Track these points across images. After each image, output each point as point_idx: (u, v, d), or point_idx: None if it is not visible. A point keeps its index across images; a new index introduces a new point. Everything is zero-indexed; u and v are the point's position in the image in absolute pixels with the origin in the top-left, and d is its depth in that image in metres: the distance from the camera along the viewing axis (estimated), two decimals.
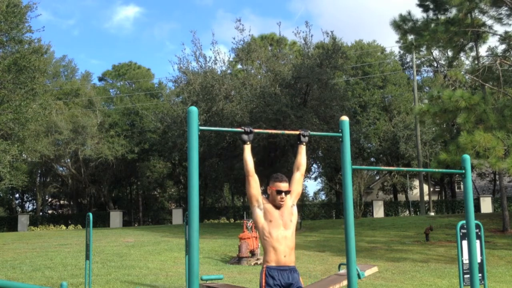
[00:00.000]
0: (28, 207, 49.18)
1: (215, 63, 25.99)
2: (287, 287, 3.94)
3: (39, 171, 41.02)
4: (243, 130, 3.72)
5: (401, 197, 43.93)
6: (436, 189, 43.34)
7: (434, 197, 40.25)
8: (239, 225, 23.05)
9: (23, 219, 35.58)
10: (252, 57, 26.01)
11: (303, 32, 42.71)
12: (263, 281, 3.92)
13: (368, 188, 41.77)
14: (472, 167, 16.06)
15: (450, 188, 41.54)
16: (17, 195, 46.36)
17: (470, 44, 19.62)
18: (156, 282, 10.14)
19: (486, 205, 31.51)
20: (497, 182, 33.32)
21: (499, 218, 21.28)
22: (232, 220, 35.85)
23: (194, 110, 3.32)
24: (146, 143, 37.08)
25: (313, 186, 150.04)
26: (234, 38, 44.70)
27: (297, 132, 4.00)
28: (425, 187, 35.75)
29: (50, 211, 50.64)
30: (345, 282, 6.52)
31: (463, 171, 4.06)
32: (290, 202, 4.12)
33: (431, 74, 42.35)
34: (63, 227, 34.40)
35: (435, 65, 41.67)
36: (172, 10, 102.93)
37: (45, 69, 26.96)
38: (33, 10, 23.88)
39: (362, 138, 36.08)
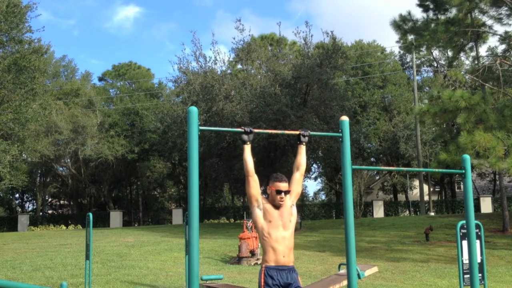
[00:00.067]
0: (28, 207, 49.22)
1: (215, 63, 26.03)
2: (286, 287, 3.95)
3: (39, 171, 41.02)
4: (243, 130, 3.72)
5: (401, 197, 43.94)
6: (436, 189, 43.34)
7: (434, 197, 40.26)
8: (239, 225, 23.05)
9: (23, 219, 35.58)
10: (252, 57, 26.02)
11: (303, 32, 42.76)
12: (262, 281, 3.93)
13: (368, 188, 41.78)
14: (472, 167, 16.05)
15: (450, 188, 41.55)
16: (17, 195, 46.38)
17: (470, 44, 19.62)
18: (156, 282, 10.14)
19: (486, 205, 31.52)
20: (497, 182, 33.32)
21: (499, 218, 21.27)
22: (232, 220, 35.85)
23: (194, 110, 3.32)
24: (146, 143, 37.08)
25: (313, 186, 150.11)
26: (234, 38, 44.76)
27: (297, 132, 4.00)
28: (425, 187, 35.76)
29: (50, 211, 50.64)
30: (345, 282, 6.52)
31: (463, 171, 4.06)
32: (290, 202, 4.12)
33: (431, 74, 42.39)
34: (63, 227, 34.41)
35: (435, 65, 41.69)
36: (172, 10, 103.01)
37: (45, 69, 26.97)
38: (33, 10, 23.92)
39: (362, 138, 36.09)
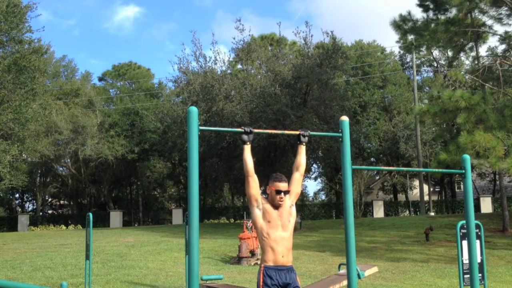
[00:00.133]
0: (28, 207, 49.22)
1: (215, 63, 26.02)
2: (284, 287, 3.96)
3: (39, 171, 41.02)
4: (243, 130, 3.72)
5: (401, 197, 43.94)
6: (436, 189, 43.34)
7: (434, 197, 40.26)
8: (239, 225, 23.05)
9: (23, 219, 35.58)
10: (252, 57, 26.02)
11: (303, 32, 42.76)
12: (261, 280, 3.94)
13: (368, 188, 41.78)
14: (472, 167, 16.06)
15: (450, 188, 41.55)
16: (17, 195, 46.38)
17: (470, 44, 19.62)
18: (156, 282, 10.14)
19: (486, 205, 31.52)
20: (497, 182, 33.33)
21: (499, 218, 21.27)
22: (232, 220, 35.85)
23: (194, 110, 3.32)
24: (146, 143, 37.09)
25: (313, 186, 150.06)
26: (234, 38, 44.75)
27: (297, 132, 4.00)
28: (425, 187, 35.76)
29: (50, 211, 50.64)
30: (345, 282, 6.52)
31: (463, 171, 4.06)
32: (289, 202, 4.13)
33: (431, 74, 42.39)
34: (63, 227, 34.41)
35: (435, 65, 41.69)
36: (172, 10, 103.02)
37: (45, 69, 26.98)
38: (33, 10, 23.91)
39: (362, 138, 36.08)
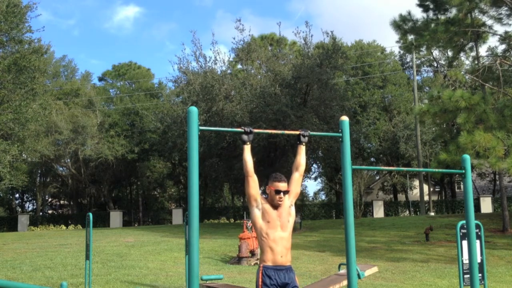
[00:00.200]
0: (28, 207, 49.22)
1: (215, 63, 26.03)
2: (283, 287, 3.97)
3: (39, 171, 41.02)
4: (243, 130, 3.72)
5: (401, 197, 43.94)
6: (436, 189, 43.34)
7: (434, 197, 40.26)
8: (239, 225, 23.05)
9: (23, 219, 35.58)
10: (252, 57, 26.01)
11: (303, 32, 42.75)
12: (260, 280, 3.95)
13: (368, 188, 41.77)
14: (472, 167, 16.06)
15: (450, 188, 41.55)
16: (17, 195, 46.38)
17: (470, 44, 19.62)
18: (156, 282, 10.14)
19: (486, 205, 31.52)
20: (497, 182, 33.33)
21: (499, 218, 21.27)
22: (232, 220, 35.86)
23: (194, 110, 3.32)
24: (146, 143, 37.09)
25: (313, 186, 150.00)
26: (234, 38, 44.76)
27: (297, 132, 4.00)
28: (425, 187, 35.76)
29: (50, 211, 50.65)
30: (345, 282, 6.52)
31: (463, 171, 4.06)
32: (288, 202, 4.13)
33: (431, 74, 42.40)
34: (63, 227, 34.41)
35: (435, 65, 41.68)
36: (172, 10, 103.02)
37: (45, 69, 26.97)
38: (33, 10, 23.91)
39: (362, 138, 36.08)
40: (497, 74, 16.30)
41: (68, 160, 38.39)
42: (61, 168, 40.92)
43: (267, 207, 4.05)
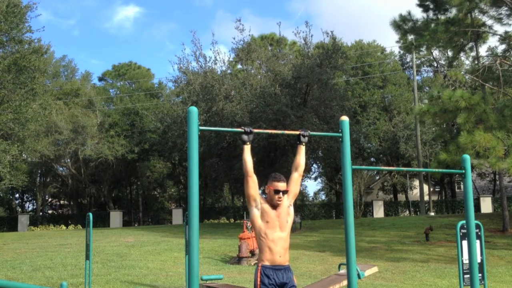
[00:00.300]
0: (28, 207, 49.22)
1: (215, 63, 26.02)
2: (281, 286, 3.98)
3: (39, 171, 41.02)
4: (243, 130, 3.72)
5: (401, 197, 43.94)
6: (436, 189, 43.34)
7: (434, 197, 40.26)
8: (239, 225, 23.06)
9: (23, 219, 35.58)
10: (252, 57, 26.01)
11: (303, 32, 42.72)
12: (259, 280, 3.97)
13: (368, 188, 41.78)
14: (472, 167, 16.05)
15: (450, 188, 41.55)
16: (17, 195, 46.38)
17: (470, 44, 19.62)
18: (156, 282, 10.14)
19: (486, 205, 31.52)
20: (497, 182, 33.33)
21: (499, 218, 21.27)
22: (232, 220, 35.86)
23: (194, 110, 3.32)
24: (146, 143, 37.09)
25: (313, 186, 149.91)
26: (234, 38, 44.74)
27: (297, 132, 4.00)
28: (425, 187, 35.76)
29: (50, 211, 50.65)
30: (345, 282, 6.52)
31: (463, 171, 4.06)
32: (287, 202, 4.13)
33: (431, 74, 42.39)
34: (63, 227, 34.41)
35: (435, 65, 41.69)
36: (172, 10, 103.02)
37: (45, 69, 26.97)
38: (33, 10, 23.91)
39: (362, 138, 36.08)
40: (497, 74, 16.30)
41: (68, 160, 38.40)
42: (61, 168, 40.92)
43: (266, 207, 4.05)
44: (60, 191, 44.95)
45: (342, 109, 25.55)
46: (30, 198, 48.22)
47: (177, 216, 34.21)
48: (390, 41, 75.73)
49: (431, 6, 18.57)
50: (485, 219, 21.37)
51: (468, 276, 5.89)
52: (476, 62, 20.10)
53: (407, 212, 36.28)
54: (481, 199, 32.07)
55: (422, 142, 33.43)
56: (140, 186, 43.67)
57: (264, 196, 4.18)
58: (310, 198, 57.15)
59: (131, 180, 44.09)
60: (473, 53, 20.77)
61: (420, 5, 18.84)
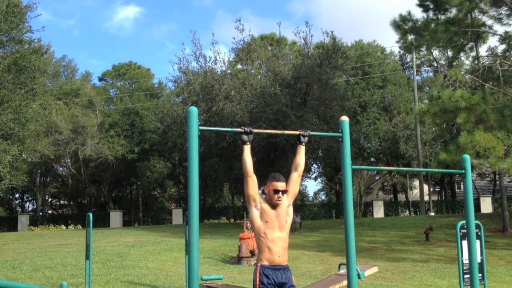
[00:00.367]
0: (28, 207, 49.22)
1: (215, 63, 26.03)
2: (280, 286, 3.99)
3: (39, 171, 41.02)
4: (243, 130, 3.72)
5: (401, 197, 43.94)
6: (436, 189, 43.34)
7: (434, 197, 40.26)
8: (239, 225, 23.05)
9: (23, 219, 35.58)
10: (252, 57, 26.01)
11: (303, 32, 42.72)
12: (258, 279, 3.97)
13: (368, 188, 41.77)
14: (472, 167, 16.06)
15: (450, 188, 41.54)
16: (17, 195, 46.38)
17: (470, 44, 19.62)
18: (156, 282, 10.14)
19: (486, 205, 31.52)
20: (497, 182, 33.32)
21: (499, 218, 21.27)
22: (232, 220, 35.86)
23: (194, 110, 3.32)
24: (146, 143, 37.09)
25: (313, 186, 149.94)
26: (234, 38, 44.75)
27: (297, 132, 4.00)
28: (425, 187, 35.76)
29: (50, 211, 50.64)
30: (345, 282, 6.52)
31: (463, 171, 4.06)
32: (287, 202, 4.13)
33: (431, 74, 42.39)
34: (63, 227, 34.41)
35: (435, 65, 41.68)
36: (172, 10, 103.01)
37: (45, 69, 26.98)
38: (33, 10, 23.92)
39: (362, 138, 36.08)
40: (497, 74, 16.30)
41: (68, 160, 38.39)
42: (61, 168, 40.92)
43: (266, 207, 4.05)
44: (60, 191, 44.96)
45: (342, 109, 25.55)
46: (30, 198, 48.22)
47: (177, 216, 34.20)
48: (390, 41, 75.77)
49: (431, 6, 18.57)
50: (485, 219, 21.37)
51: (468, 276, 5.89)
52: (476, 62, 20.10)
53: (407, 212, 36.28)
54: (481, 199, 32.07)
55: (422, 142, 33.43)
56: (140, 186, 43.68)
57: (263, 196, 4.17)
58: (310, 198, 57.18)
59: (131, 180, 44.09)
60: (473, 53, 20.77)
61: (420, 5, 18.84)
